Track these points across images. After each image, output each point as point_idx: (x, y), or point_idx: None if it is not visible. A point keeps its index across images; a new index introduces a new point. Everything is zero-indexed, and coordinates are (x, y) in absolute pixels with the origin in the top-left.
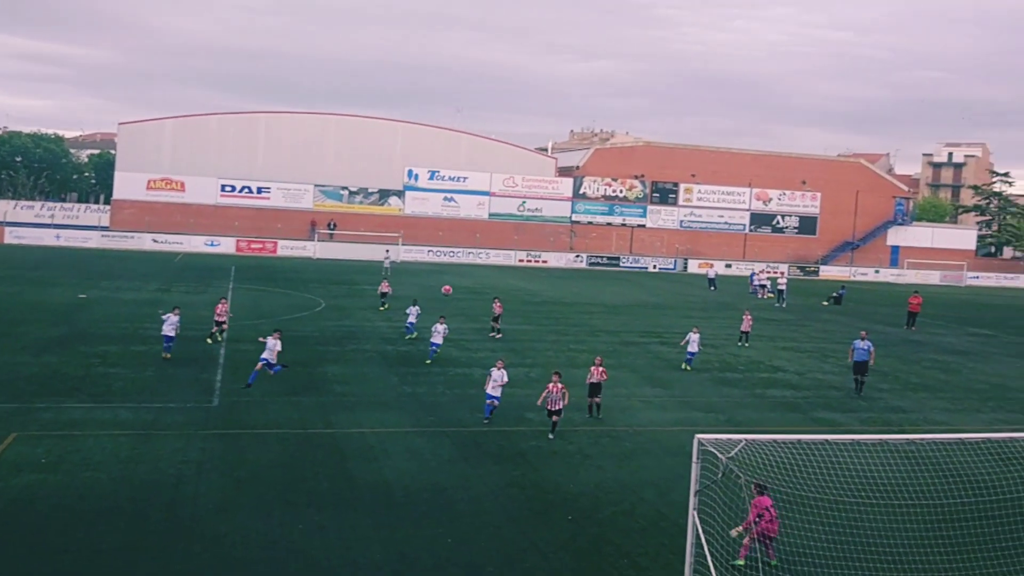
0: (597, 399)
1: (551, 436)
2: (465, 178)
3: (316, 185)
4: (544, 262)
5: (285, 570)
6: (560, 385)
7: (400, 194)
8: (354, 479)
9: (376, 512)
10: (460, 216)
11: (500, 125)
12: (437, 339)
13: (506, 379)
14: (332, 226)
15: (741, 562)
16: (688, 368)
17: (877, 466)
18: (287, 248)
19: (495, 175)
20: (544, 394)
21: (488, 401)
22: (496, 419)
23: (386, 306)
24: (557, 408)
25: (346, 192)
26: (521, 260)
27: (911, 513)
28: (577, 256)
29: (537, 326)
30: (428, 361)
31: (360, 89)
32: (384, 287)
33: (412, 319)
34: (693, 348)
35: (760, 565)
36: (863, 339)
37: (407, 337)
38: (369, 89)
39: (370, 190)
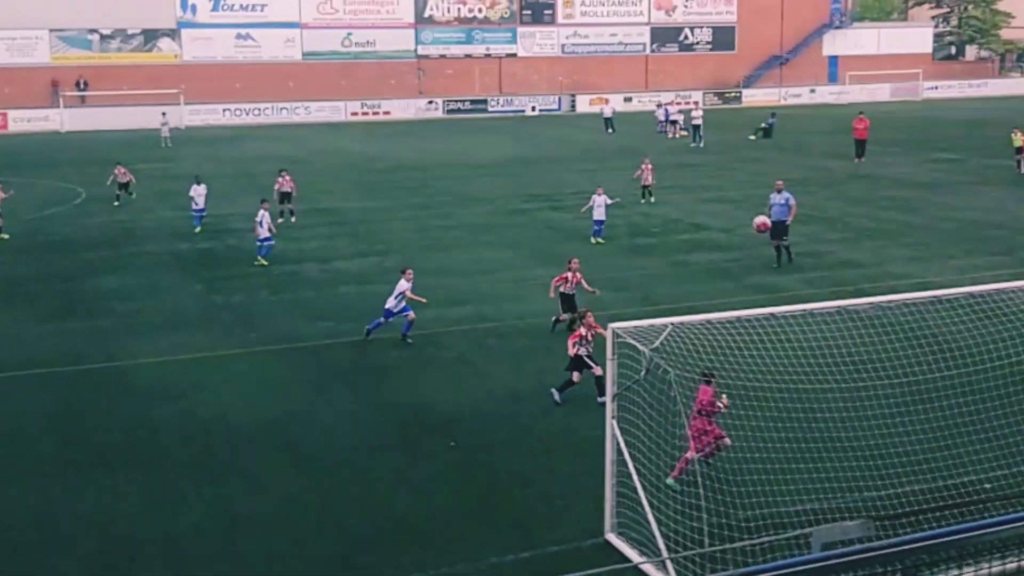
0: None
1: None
2: (264, 6)
3: (52, 30)
4: (386, 113)
5: (75, 550)
6: (579, 275)
7: (174, 34)
8: (157, 425)
9: (192, 465)
10: (263, 59)
11: None
12: (263, 232)
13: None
14: (82, 85)
15: (672, 481)
16: (599, 241)
17: (835, 338)
18: (22, 121)
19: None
20: (556, 283)
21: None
22: (345, 326)
23: (123, 200)
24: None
25: (96, 37)
26: (354, 113)
27: (880, 395)
28: (430, 102)
29: (386, 200)
30: (263, 262)
31: None
32: (121, 174)
33: (199, 204)
34: (600, 215)
35: (700, 480)
36: (779, 191)
37: (196, 230)
38: None
39: (130, 32)
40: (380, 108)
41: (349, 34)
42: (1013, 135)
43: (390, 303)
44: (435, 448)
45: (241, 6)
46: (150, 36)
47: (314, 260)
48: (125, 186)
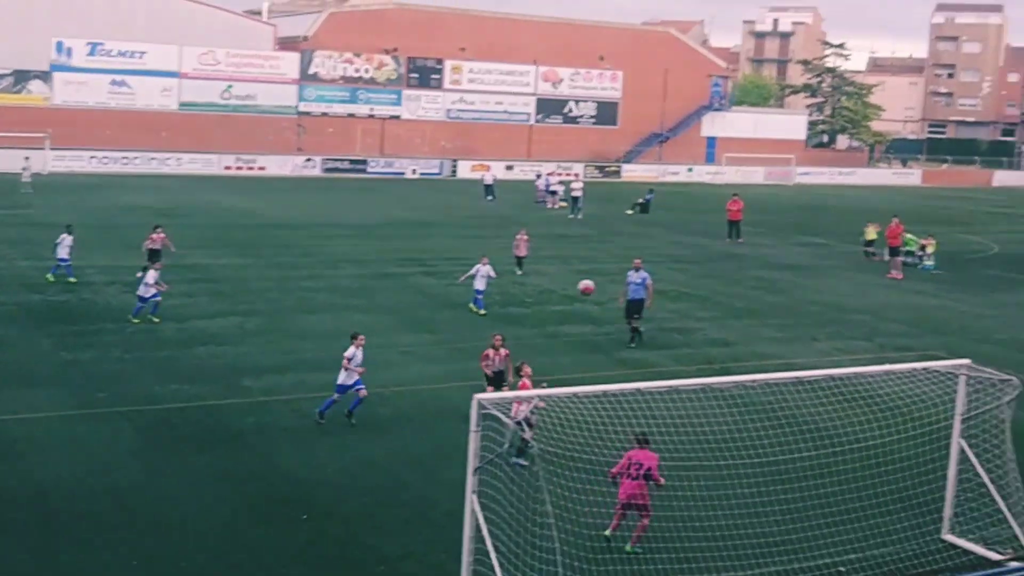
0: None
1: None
2: (142, 53)
3: None
4: (262, 169)
5: None
6: (503, 350)
7: (46, 76)
8: None
9: (26, 531)
10: (137, 107)
11: None
12: (145, 292)
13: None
14: None
15: (608, 533)
16: (481, 312)
17: (699, 416)
18: None
19: (187, 49)
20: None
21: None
22: (200, 388)
23: None
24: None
25: None
26: (228, 167)
27: (740, 475)
28: (308, 160)
29: (254, 258)
30: (134, 320)
31: None
32: None
33: (63, 253)
34: (480, 285)
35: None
36: (637, 269)
37: (48, 278)
38: None
39: (0, 71)
40: (256, 163)
41: (229, 86)
42: (866, 229)
43: (341, 377)
44: (288, 521)
45: (119, 52)
46: (21, 77)
47: (172, 319)
48: None
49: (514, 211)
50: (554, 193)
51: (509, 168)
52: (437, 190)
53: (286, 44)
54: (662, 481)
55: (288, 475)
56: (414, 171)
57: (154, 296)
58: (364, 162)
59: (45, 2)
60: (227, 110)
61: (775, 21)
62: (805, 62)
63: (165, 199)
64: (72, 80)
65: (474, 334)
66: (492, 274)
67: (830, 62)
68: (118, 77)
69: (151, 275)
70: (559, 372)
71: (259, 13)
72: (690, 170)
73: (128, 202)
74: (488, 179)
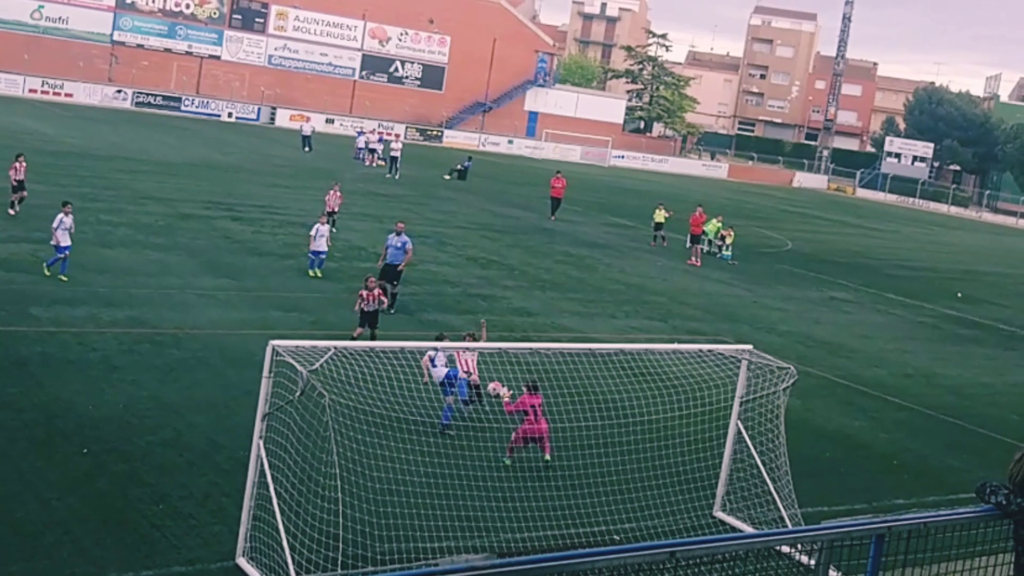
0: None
1: None
2: None
3: None
4: (68, 95)
5: None
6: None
7: None
8: None
9: None
10: None
11: None
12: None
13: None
14: None
15: (508, 461)
16: (317, 274)
17: (495, 379)
18: None
19: None
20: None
21: None
22: None
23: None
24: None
25: None
26: (33, 90)
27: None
28: (119, 91)
29: (54, 186)
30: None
31: None
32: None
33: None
34: (321, 245)
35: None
36: (399, 233)
37: None
38: None
39: None
40: (63, 89)
41: (41, 7)
42: (656, 210)
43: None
44: (67, 454)
45: None
46: None
47: None
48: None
49: (331, 165)
50: (373, 151)
51: (330, 122)
52: (253, 136)
53: None
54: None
55: (72, 408)
56: (230, 114)
57: (66, 248)
58: (178, 99)
59: None
60: (36, 31)
61: (603, 5)
62: (628, 48)
63: None
64: None
65: (276, 283)
66: (332, 230)
67: (652, 51)
68: None
69: (68, 220)
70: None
71: None
72: (511, 142)
73: None
74: (307, 130)
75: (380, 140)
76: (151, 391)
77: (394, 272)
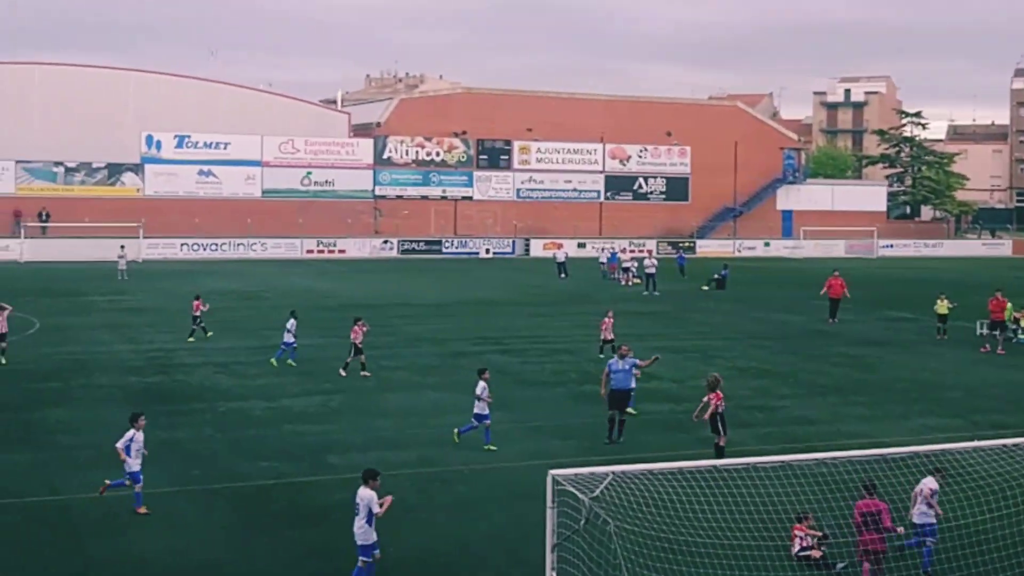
0: None
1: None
2: (227, 144)
3: (18, 161)
4: (341, 252)
5: None
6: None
7: (138, 169)
8: (93, 561)
9: None
10: (223, 195)
11: (270, 71)
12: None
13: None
14: (44, 216)
15: None
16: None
17: (782, 495)
18: None
19: (268, 139)
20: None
21: None
22: (288, 466)
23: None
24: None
25: (61, 169)
26: (310, 251)
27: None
28: (385, 242)
29: (336, 338)
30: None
31: (68, 24)
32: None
33: (288, 337)
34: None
35: None
36: (623, 356)
37: (275, 362)
38: (83, 26)
39: (95, 165)
40: (335, 246)
41: (309, 173)
42: (938, 301)
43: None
44: None
45: (205, 143)
46: (114, 170)
47: (260, 397)
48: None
49: (589, 288)
50: (627, 270)
51: (581, 246)
52: (511, 269)
53: (360, 131)
54: (899, 529)
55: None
56: (488, 250)
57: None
58: (439, 242)
59: (135, 99)
60: (307, 196)
61: (847, 91)
62: (881, 132)
63: (251, 283)
64: (162, 171)
65: (548, 412)
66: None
67: (907, 131)
68: (204, 167)
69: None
70: (640, 451)
71: (334, 102)
72: (767, 244)
73: (217, 287)
74: (560, 256)
75: (632, 258)
76: (445, 530)
77: (625, 398)
